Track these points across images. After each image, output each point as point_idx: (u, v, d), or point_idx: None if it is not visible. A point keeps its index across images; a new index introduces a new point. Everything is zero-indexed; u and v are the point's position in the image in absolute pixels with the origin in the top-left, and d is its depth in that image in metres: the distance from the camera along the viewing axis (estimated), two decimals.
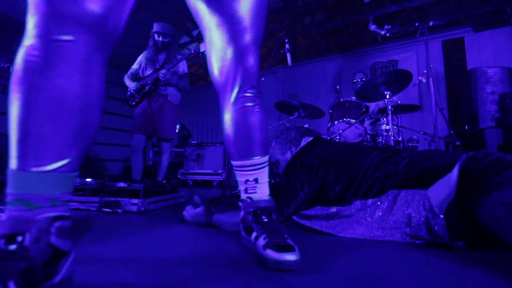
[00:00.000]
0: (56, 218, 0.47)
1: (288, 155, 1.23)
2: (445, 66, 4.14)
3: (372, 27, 2.11)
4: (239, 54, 0.77)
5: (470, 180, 0.76)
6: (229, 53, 0.77)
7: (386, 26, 2.05)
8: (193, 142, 4.24)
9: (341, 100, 2.43)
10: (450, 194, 0.78)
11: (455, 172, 0.80)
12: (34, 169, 0.46)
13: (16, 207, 0.45)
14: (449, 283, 0.57)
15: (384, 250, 0.79)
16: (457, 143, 2.01)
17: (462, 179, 0.78)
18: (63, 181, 0.49)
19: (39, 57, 0.48)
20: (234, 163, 0.83)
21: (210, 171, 3.85)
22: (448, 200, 0.78)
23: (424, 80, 2.00)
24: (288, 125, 2.59)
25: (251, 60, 0.78)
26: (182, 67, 2.49)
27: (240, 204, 0.82)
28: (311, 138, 1.22)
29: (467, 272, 0.62)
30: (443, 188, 0.80)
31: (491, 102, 2.23)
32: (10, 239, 0.42)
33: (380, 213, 0.89)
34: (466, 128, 2.40)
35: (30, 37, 0.49)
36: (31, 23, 0.49)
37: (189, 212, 1.13)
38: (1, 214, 1.30)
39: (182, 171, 4.03)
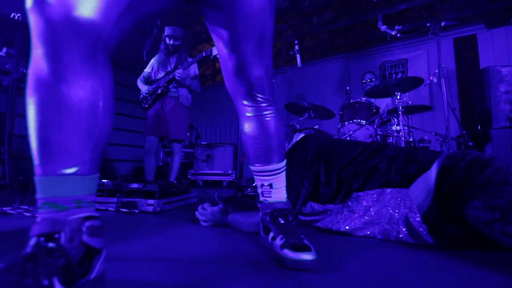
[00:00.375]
0: (86, 218, 0.51)
1: None
2: (456, 64, 4.06)
3: (383, 27, 2.10)
4: (243, 65, 0.78)
5: (451, 180, 0.78)
6: (234, 64, 0.78)
7: (396, 27, 2.04)
8: (203, 143, 4.30)
9: (351, 101, 2.43)
10: (429, 193, 0.81)
11: (433, 170, 0.82)
12: (55, 173, 0.50)
13: (46, 210, 0.49)
14: (462, 282, 0.58)
15: (395, 251, 0.81)
16: (470, 143, 1.98)
17: (441, 178, 0.80)
18: (83, 183, 0.52)
19: (45, 68, 0.50)
20: (251, 167, 0.87)
21: (220, 172, 3.90)
22: (428, 200, 0.81)
23: (435, 80, 1.99)
24: (298, 126, 2.60)
25: (257, 72, 0.78)
26: (193, 69, 2.54)
27: (259, 205, 0.85)
28: (302, 135, 1.26)
29: (480, 273, 0.63)
30: (422, 187, 0.84)
31: (505, 101, 2.20)
32: (49, 237, 0.46)
33: (365, 210, 0.94)
34: (479, 128, 2.37)
35: (35, 48, 0.51)
36: (34, 32, 0.50)
37: (207, 209, 1.16)
38: (27, 214, 1.35)
39: (192, 171, 4.09)
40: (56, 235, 0.47)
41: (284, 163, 0.86)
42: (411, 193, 0.87)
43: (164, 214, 1.50)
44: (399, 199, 0.88)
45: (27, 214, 1.41)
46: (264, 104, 0.83)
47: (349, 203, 0.98)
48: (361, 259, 0.73)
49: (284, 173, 0.85)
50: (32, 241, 0.46)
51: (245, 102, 0.83)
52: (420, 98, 3.90)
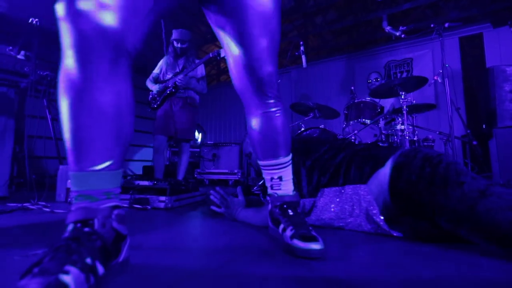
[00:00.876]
0: (114, 207, 0.58)
1: None
2: (462, 63, 4.05)
3: (387, 28, 2.14)
4: (256, 63, 0.80)
5: (406, 177, 0.85)
6: (247, 62, 0.81)
7: (401, 27, 2.08)
8: (209, 142, 4.36)
9: (356, 101, 2.46)
10: (384, 189, 0.89)
11: (387, 168, 0.90)
12: (89, 169, 0.55)
13: (81, 201, 0.55)
14: (461, 270, 0.63)
15: (397, 243, 0.85)
16: (474, 142, 2.01)
17: (395, 175, 0.88)
18: (111, 177, 0.58)
19: (76, 74, 0.54)
20: (260, 162, 0.91)
21: (226, 171, 3.96)
22: (383, 194, 0.90)
23: (439, 80, 2.01)
24: (303, 126, 2.65)
25: (268, 69, 0.82)
26: (200, 70, 2.60)
27: (268, 198, 0.90)
28: None
29: (482, 261, 0.67)
30: (377, 183, 0.92)
31: (510, 100, 2.21)
32: (85, 223, 0.52)
33: (329, 204, 1.01)
34: (484, 127, 2.39)
35: (66, 56, 0.55)
36: (66, 40, 0.54)
37: (227, 198, 1.23)
38: (46, 210, 1.44)
39: (198, 170, 4.16)
40: (90, 222, 0.53)
41: (290, 156, 0.91)
42: (369, 188, 0.94)
43: (175, 210, 1.56)
44: (359, 195, 0.95)
45: (46, 209, 1.49)
46: (273, 101, 0.86)
47: (317, 197, 1.05)
48: (365, 250, 0.78)
49: (290, 166, 0.90)
50: (70, 227, 0.52)
51: (256, 99, 0.86)
52: (425, 98, 3.90)
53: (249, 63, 0.81)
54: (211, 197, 1.27)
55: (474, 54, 3.97)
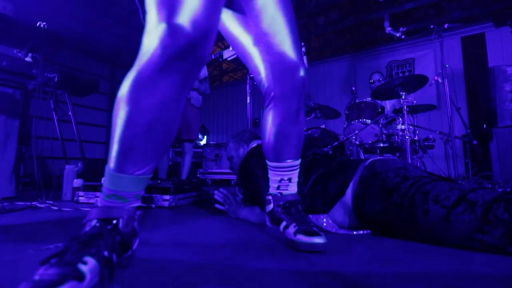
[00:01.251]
0: (137, 208, 0.62)
1: (240, 152, 1.41)
2: (464, 63, 4.05)
3: (388, 29, 2.16)
4: (294, 63, 0.79)
5: (369, 208, 0.90)
6: (293, 57, 0.79)
7: (401, 28, 2.10)
8: (211, 143, 4.40)
9: (357, 101, 2.49)
10: (350, 213, 0.96)
11: (348, 197, 0.95)
12: (130, 173, 0.59)
13: (113, 200, 0.58)
14: (453, 264, 0.65)
15: (394, 240, 0.87)
16: (474, 142, 2.02)
17: (358, 205, 0.93)
18: (145, 181, 0.62)
19: (145, 87, 0.56)
20: (270, 163, 0.91)
21: (228, 171, 3.99)
22: (350, 217, 0.97)
23: (440, 80, 2.03)
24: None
25: (300, 74, 0.80)
26: (203, 71, 2.64)
27: (269, 197, 0.92)
28: (258, 142, 1.36)
29: (475, 256, 0.69)
30: (343, 208, 0.97)
31: (510, 100, 2.22)
32: (108, 221, 0.56)
33: None
34: (484, 127, 2.40)
35: (136, 69, 0.56)
36: (143, 57, 0.55)
37: (230, 197, 1.28)
38: (54, 208, 1.48)
39: (201, 170, 4.20)
40: (115, 221, 0.56)
41: (300, 160, 0.92)
42: (332, 217, 0.98)
43: (179, 209, 1.60)
44: (321, 224, 0.98)
45: (54, 208, 1.53)
46: (298, 107, 0.84)
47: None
48: (364, 246, 0.81)
49: (299, 168, 0.91)
50: (93, 222, 0.55)
51: (293, 100, 0.83)
52: (427, 97, 3.91)
53: (295, 59, 0.79)
54: (215, 196, 1.32)
55: (476, 54, 3.97)
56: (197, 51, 0.56)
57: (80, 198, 1.80)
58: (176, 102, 0.60)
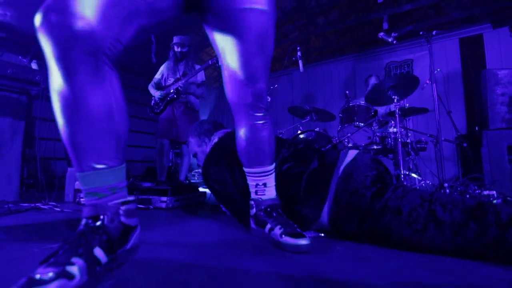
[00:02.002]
0: (123, 203, 0.64)
1: (204, 147, 1.34)
2: (462, 64, 4.05)
3: (380, 34, 2.20)
4: (251, 78, 0.86)
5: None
6: (242, 77, 0.86)
7: (393, 34, 2.14)
8: None
9: (351, 104, 2.54)
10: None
11: (325, 219, 0.94)
12: (90, 169, 0.61)
13: (90, 198, 0.62)
14: (425, 259, 0.71)
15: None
16: (464, 144, 2.06)
17: (333, 225, 0.94)
18: (113, 173, 0.63)
19: (61, 83, 0.57)
20: (246, 169, 0.98)
21: None
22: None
23: (432, 84, 2.06)
24: (301, 128, 2.73)
25: (261, 85, 0.88)
26: (200, 76, 2.71)
27: (252, 202, 0.97)
28: (223, 132, 1.30)
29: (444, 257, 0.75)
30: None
31: (501, 103, 2.26)
32: (95, 218, 0.60)
33: None
34: (477, 129, 2.43)
35: (50, 65, 0.57)
36: (46, 50, 0.56)
37: None
38: (57, 209, 1.56)
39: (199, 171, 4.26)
40: (100, 217, 0.60)
41: (274, 165, 0.97)
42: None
43: (175, 210, 1.66)
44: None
45: (57, 209, 1.61)
46: (262, 114, 0.93)
47: None
48: (343, 245, 0.87)
49: (274, 174, 0.97)
50: (83, 221, 0.60)
51: (246, 111, 0.92)
52: (423, 100, 3.93)
53: (244, 79, 0.86)
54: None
55: (474, 55, 3.97)
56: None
57: (81, 199, 1.88)
58: (95, 88, 0.60)
